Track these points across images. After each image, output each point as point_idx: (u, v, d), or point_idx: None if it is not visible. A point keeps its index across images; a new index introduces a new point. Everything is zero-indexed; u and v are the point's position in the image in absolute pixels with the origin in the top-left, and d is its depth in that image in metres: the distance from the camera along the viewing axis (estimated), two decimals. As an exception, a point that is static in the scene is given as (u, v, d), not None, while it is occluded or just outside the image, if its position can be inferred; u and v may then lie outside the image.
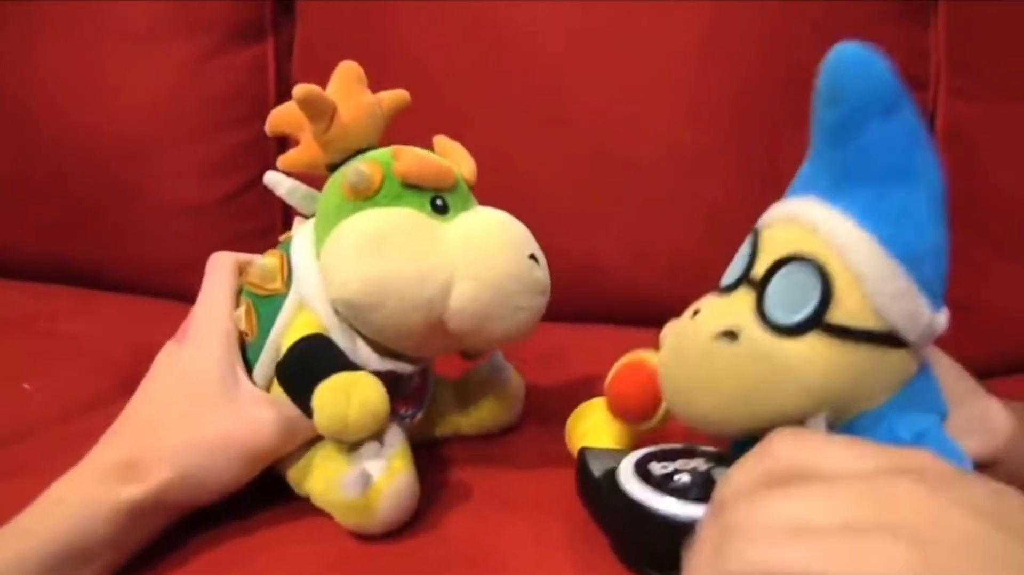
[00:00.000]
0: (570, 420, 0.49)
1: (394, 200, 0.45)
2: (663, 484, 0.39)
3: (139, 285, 0.82)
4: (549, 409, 0.53)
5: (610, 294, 0.76)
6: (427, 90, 0.76)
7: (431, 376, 0.51)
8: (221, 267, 0.49)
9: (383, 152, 0.47)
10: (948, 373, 0.43)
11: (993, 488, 0.28)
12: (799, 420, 0.37)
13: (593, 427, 0.47)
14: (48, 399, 0.56)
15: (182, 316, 0.48)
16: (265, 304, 0.46)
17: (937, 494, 0.26)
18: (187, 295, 0.49)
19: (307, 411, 0.42)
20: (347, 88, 0.47)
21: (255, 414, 0.43)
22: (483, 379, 0.54)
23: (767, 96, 0.73)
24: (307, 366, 0.43)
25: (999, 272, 0.70)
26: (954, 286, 0.71)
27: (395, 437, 0.44)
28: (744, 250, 0.40)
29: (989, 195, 0.70)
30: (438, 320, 0.43)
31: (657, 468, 0.40)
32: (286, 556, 0.42)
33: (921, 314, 0.37)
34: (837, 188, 0.38)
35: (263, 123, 0.84)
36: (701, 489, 0.38)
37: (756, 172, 0.72)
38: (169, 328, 0.47)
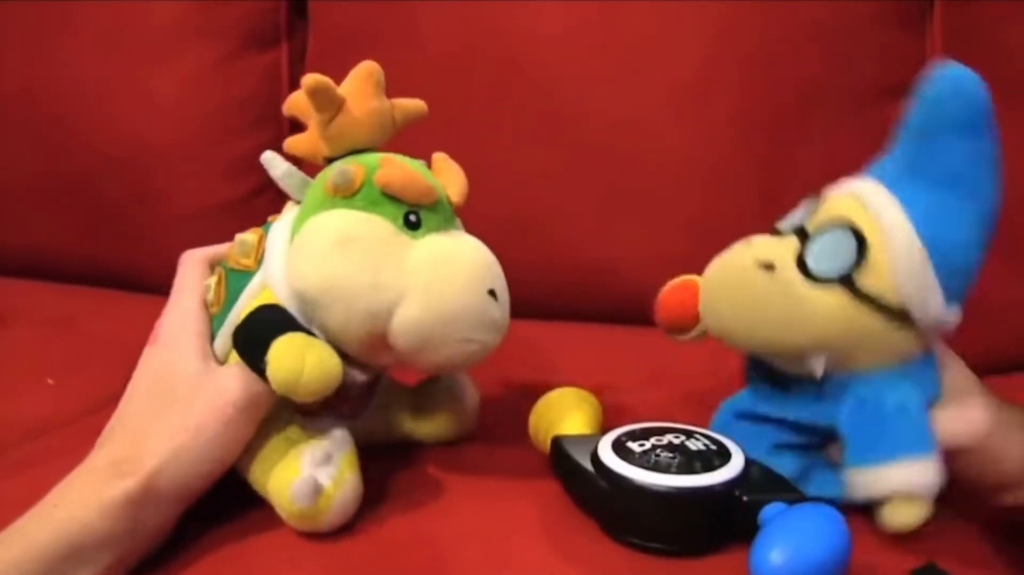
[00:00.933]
0: (535, 411, 0.51)
1: (369, 205, 0.45)
2: (645, 460, 0.43)
3: (162, 286, 0.83)
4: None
5: (621, 296, 0.77)
6: (441, 95, 0.78)
7: (381, 384, 0.52)
8: (190, 265, 0.50)
9: (373, 157, 0.47)
10: (956, 373, 0.46)
11: None
12: (801, 355, 0.43)
13: (561, 416, 0.50)
14: (76, 394, 0.58)
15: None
16: (236, 278, 0.47)
17: None
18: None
19: (261, 372, 0.42)
20: (361, 88, 0.48)
21: (225, 381, 0.44)
22: (439, 390, 0.53)
23: (773, 100, 0.74)
24: (264, 327, 0.43)
25: (998, 270, 0.71)
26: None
27: (343, 441, 0.45)
28: (806, 205, 0.46)
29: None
30: (381, 335, 0.44)
31: (635, 447, 0.44)
32: (286, 555, 0.43)
33: (933, 304, 0.42)
34: (900, 180, 0.44)
35: (278, 127, 0.87)
36: (680, 462, 0.42)
37: (765, 177, 0.74)
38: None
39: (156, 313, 0.49)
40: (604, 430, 0.47)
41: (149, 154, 0.84)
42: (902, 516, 0.41)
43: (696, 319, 0.48)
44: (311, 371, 0.41)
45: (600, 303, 0.78)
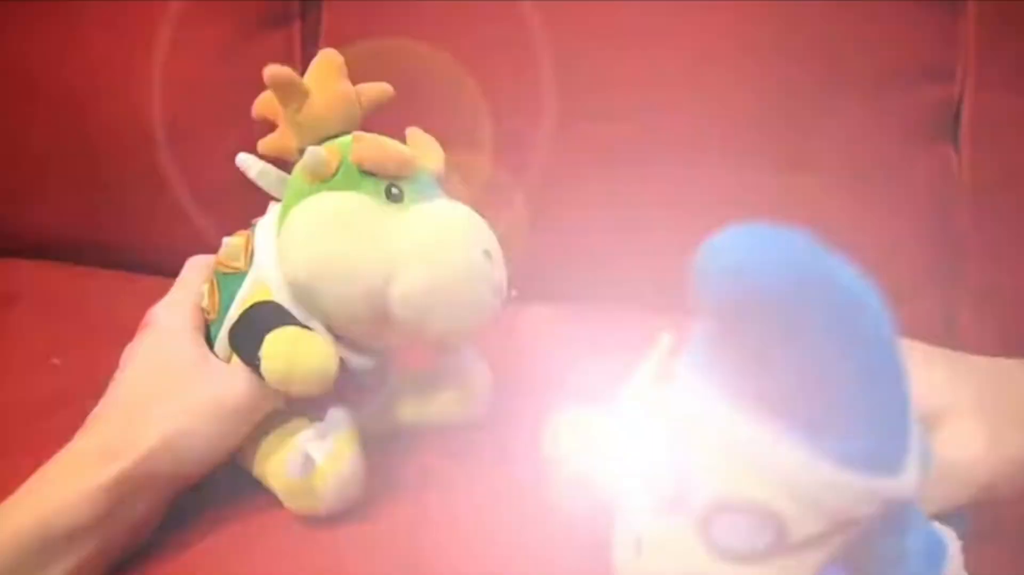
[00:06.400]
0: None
1: (349, 185, 0.44)
2: None
3: (172, 268, 0.83)
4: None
5: (638, 279, 0.76)
6: (454, 77, 0.78)
7: (390, 372, 0.51)
8: (193, 269, 0.50)
9: (346, 137, 0.47)
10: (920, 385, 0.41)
11: None
12: None
13: None
14: (82, 374, 0.58)
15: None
16: (228, 282, 0.47)
17: None
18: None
19: (256, 367, 0.42)
20: (324, 75, 0.48)
21: (230, 376, 0.44)
22: (449, 371, 0.53)
23: (797, 78, 0.73)
24: (258, 323, 0.43)
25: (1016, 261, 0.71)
26: (978, 276, 0.72)
27: (339, 421, 0.44)
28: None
29: (1015, 187, 0.70)
30: (381, 309, 0.43)
31: None
32: (279, 546, 0.43)
33: (874, 497, 0.29)
34: None
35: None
36: None
37: (783, 157, 0.73)
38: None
39: (165, 294, 0.49)
40: None
41: (161, 134, 0.83)
42: None
43: None
44: (304, 362, 0.41)
45: (617, 286, 0.76)
